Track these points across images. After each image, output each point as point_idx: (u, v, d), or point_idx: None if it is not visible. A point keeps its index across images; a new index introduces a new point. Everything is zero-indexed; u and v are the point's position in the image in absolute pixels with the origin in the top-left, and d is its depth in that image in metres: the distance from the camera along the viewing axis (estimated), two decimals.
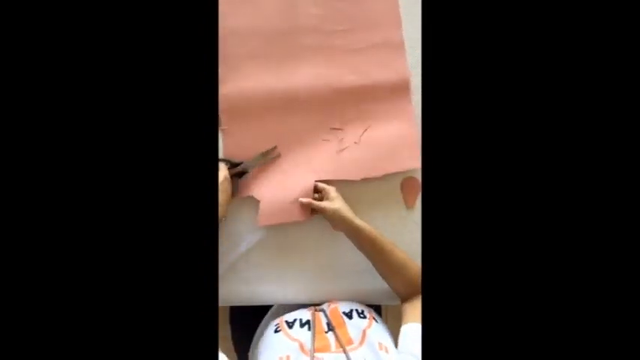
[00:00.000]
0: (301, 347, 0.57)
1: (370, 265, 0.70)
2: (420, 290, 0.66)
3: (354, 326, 0.61)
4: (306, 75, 0.75)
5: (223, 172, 0.69)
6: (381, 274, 0.69)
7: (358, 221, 0.67)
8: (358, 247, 0.68)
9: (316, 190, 0.72)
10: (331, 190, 0.70)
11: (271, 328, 0.63)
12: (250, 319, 0.79)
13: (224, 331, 0.87)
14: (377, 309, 0.79)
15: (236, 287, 0.72)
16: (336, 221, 0.67)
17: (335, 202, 0.68)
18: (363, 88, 0.75)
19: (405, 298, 0.67)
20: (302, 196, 0.71)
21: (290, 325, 0.62)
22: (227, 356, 0.56)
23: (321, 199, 0.71)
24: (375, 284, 0.72)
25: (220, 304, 0.71)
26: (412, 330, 0.58)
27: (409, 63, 0.77)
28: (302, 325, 0.62)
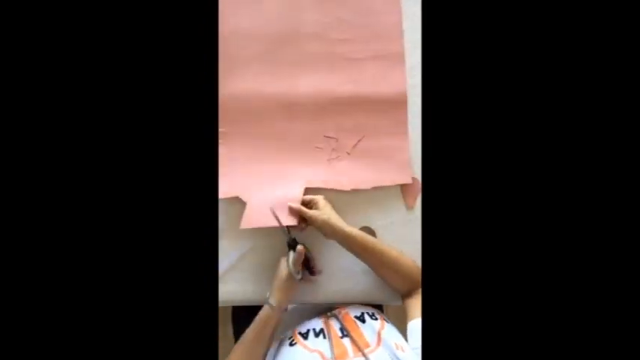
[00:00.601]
0: (322, 357, 0.57)
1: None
2: (419, 284, 0.67)
3: (369, 329, 0.61)
4: (305, 81, 0.75)
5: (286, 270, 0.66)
6: (378, 275, 0.70)
7: (348, 228, 0.66)
8: (352, 253, 0.68)
9: (304, 202, 0.71)
10: (319, 200, 0.69)
11: (285, 341, 0.63)
12: (251, 319, 0.79)
13: (224, 331, 0.87)
14: (378, 309, 0.79)
15: (236, 287, 0.72)
16: (326, 230, 0.67)
17: (324, 212, 0.68)
18: (361, 98, 0.75)
19: (406, 294, 0.68)
20: (290, 202, 0.70)
21: (304, 336, 0.62)
22: (228, 356, 0.56)
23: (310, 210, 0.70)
24: (377, 284, 0.72)
25: (220, 304, 0.71)
26: (419, 325, 0.58)
27: (409, 64, 0.77)
28: (317, 334, 0.62)
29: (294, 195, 0.71)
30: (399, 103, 0.76)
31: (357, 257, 0.68)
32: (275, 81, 0.75)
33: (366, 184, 0.74)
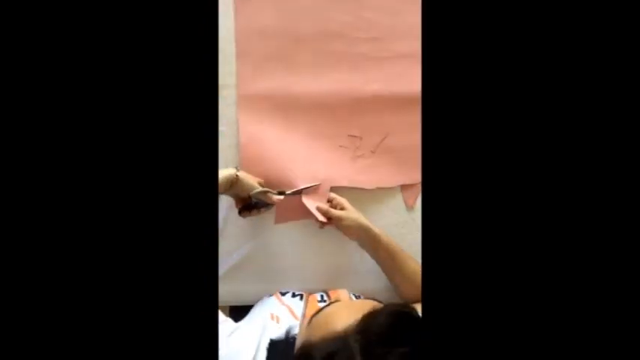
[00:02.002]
0: (290, 312, 0.57)
1: (372, 265, 0.70)
2: None
3: None
4: (328, 80, 0.75)
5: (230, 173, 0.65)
6: (391, 281, 0.69)
7: (377, 229, 0.67)
8: (372, 255, 0.69)
9: (328, 200, 0.72)
10: (344, 201, 0.70)
11: (266, 294, 0.66)
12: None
13: None
14: None
15: (236, 287, 0.72)
16: (354, 230, 0.68)
17: (352, 212, 0.69)
18: (384, 97, 0.75)
19: (412, 301, 0.67)
20: (316, 201, 0.71)
21: (282, 293, 0.65)
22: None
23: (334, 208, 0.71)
24: (377, 284, 0.72)
25: (220, 304, 0.71)
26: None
27: None
28: (294, 295, 0.64)
29: (321, 193, 0.72)
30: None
31: (377, 260, 0.69)
32: (298, 81, 0.75)
33: (390, 182, 0.75)
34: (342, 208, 0.70)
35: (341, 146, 0.75)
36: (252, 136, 0.74)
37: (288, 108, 0.75)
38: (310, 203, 0.71)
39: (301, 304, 0.61)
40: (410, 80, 0.76)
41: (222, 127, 0.74)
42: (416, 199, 0.76)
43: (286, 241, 0.74)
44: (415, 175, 0.75)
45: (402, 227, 0.75)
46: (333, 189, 0.74)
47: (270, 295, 0.64)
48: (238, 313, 0.77)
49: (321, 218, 0.70)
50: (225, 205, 0.73)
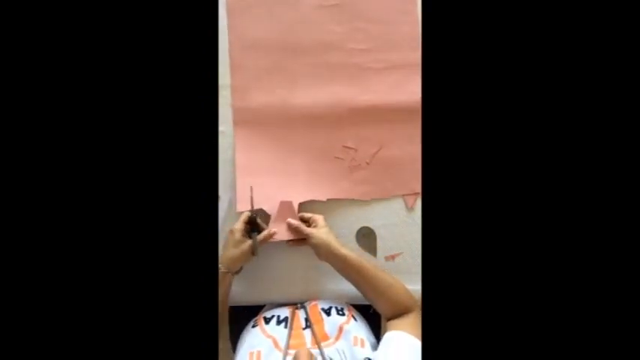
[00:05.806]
0: (275, 343, 0.57)
1: None
2: (407, 310, 0.65)
3: (331, 323, 0.61)
4: (323, 91, 0.75)
5: (240, 228, 0.68)
6: (367, 299, 0.68)
7: (344, 250, 0.66)
8: (343, 275, 0.67)
9: (303, 219, 0.71)
10: (319, 219, 0.69)
11: (250, 323, 0.64)
12: (249, 320, 0.79)
13: (223, 331, 0.86)
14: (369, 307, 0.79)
15: (236, 287, 0.72)
16: (322, 250, 0.66)
17: (322, 232, 0.67)
18: (379, 108, 0.75)
19: (391, 318, 0.65)
20: (287, 217, 0.71)
21: (267, 320, 0.63)
22: (225, 356, 0.56)
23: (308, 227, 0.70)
24: None
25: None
26: (396, 337, 0.57)
27: None
28: (279, 322, 0.62)
29: (291, 210, 0.72)
30: (416, 112, 0.75)
31: (349, 280, 0.67)
32: (293, 92, 0.75)
33: (385, 193, 0.75)
34: (316, 226, 0.69)
35: (336, 158, 0.75)
36: (248, 148, 0.74)
37: (284, 119, 0.75)
38: (280, 223, 0.71)
39: (285, 332, 0.59)
40: (405, 91, 0.75)
41: (222, 127, 0.74)
42: (416, 199, 0.76)
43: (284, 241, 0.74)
44: (411, 186, 0.75)
45: (402, 227, 0.75)
46: (329, 200, 0.74)
47: (254, 325, 0.63)
48: (237, 312, 0.77)
49: (287, 237, 0.70)
50: (225, 205, 0.73)
